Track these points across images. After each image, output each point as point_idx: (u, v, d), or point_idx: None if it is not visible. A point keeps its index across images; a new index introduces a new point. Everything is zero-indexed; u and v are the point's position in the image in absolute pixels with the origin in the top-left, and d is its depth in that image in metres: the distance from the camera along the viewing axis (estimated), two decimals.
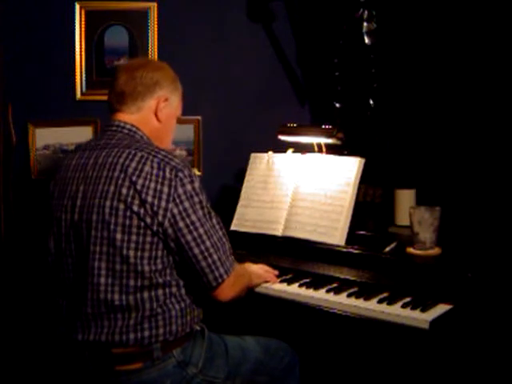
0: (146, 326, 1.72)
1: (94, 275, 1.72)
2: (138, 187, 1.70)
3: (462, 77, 2.45)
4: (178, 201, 1.71)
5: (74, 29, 2.66)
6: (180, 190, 1.72)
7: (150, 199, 1.70)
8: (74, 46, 2.67)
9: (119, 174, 1.73)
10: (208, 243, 1.75)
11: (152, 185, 1.71)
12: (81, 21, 2.66)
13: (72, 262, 1.79)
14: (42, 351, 2.53)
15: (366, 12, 2.61)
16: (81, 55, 2.67)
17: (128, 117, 1.87)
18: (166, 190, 1.71)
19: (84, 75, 2.69)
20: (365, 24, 2.62)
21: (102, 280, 1.71)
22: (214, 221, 1.79)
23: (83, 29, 2.67)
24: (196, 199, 1.74)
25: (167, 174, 1.72)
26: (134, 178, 1.71)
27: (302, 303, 2.09)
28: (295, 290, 2.13)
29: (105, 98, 2.79)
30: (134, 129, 1.85)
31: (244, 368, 1.92)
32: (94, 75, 2.71)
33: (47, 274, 1.89)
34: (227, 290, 1.81)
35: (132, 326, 1.72)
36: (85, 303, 1.74)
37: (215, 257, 1.76)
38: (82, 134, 2.69)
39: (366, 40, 2.63)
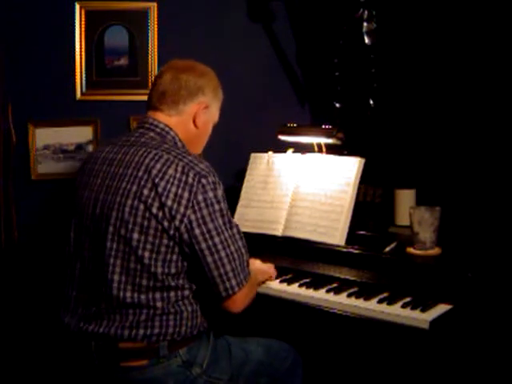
0: (156, 324, 1.72)
1: (109, 272, 1.72)
2: (160, 190, 1.69)
3: (462, 77, 2.45)
4: (196, 208, 1.70)
5: (74, 29, 2.66)
6: (200, 197, 1.70)
7: (169, 203, 1.69)
8: (74, 46, 2.66)
9: (143, 175, 1.72)
10: (223, 253, 1.73)
11: (173, 189, 1.69)
12: (81, 21, 2.66)
13: (88, 256, 1.79)
14: (46, 345, 2.53)
15: (365, 12, 2.61)
16: (81, 55, 2.67)
17: (165, 118, 1.86)
18: (186, 195, 1.69)
19: (84, 75, 2.69)
20: (365, 24, 2.62)
21: (116, 277, 1.71)
22: (235, 230, 1.77)
23: (83, 29, 2.67)
24: (216, 207, 1.73)
25: (189, 180, 1.70)
26: (156, 180, 1.70)
27: (302, 303, 2.09)
28: (295, 290, 2.13)
29: (105, 97, 2.80)
30: (166, 129, 1.84)
31: (246, 369, 1.91)
32: (94, 75, 2.70)
33: (64, 263, 1.88)
34: (239, 302, 1.79)
35: (143, 322, 1.72)
36: (97, 297, 1.75)
37: (228, 268, 1.73)
38: (82, 134, 2.69)
39: (366, 40, 2.63)
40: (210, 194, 1.72)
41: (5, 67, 2.52)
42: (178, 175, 1.71)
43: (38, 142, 2.65)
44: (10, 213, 2.55)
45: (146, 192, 1.71)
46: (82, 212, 1.82)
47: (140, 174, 1.73)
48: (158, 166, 1.72)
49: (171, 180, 1.70)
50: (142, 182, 1.72)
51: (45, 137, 2.65)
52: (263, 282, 2.17)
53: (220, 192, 1.75)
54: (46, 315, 2.51)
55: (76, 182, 1.91)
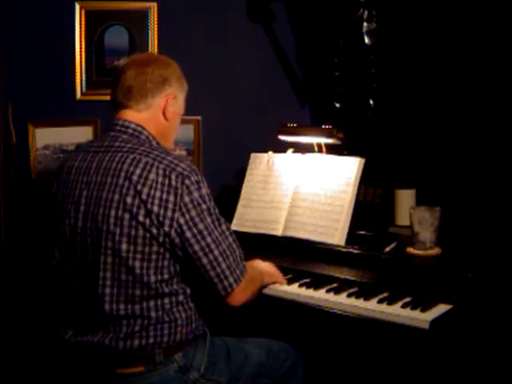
0: (151, 334, 1.70)
1: (99, 286, 1.69)
2: (144, 197, 1.66)
3: (461, 77, 2.45)
4: (184, 210, 1.68)
5: (74, 29, 2.66)
6: (186, 199, 1.68)
7: (155, 209, 1.66)
8: (74, 46, 2.66)
9: (123, 182, 1.68)
10: (216, 252, 1.71)
11: (158, 194, 1.66)
12: (81, 21, 2.66)
13: (77, 270, 1.76)
14: (43, 352, 2.53)
15: (366, 12, 2.61)
16: (81, 55, 2.67)
17: (135, 115, 1.81)
18: (171, 198, 1.67)
19: (84, 75, 2.69)
20: (365, 24, 2.62)
21: (107, 290, 1.69)
22: (224, 227, 1.76)
23: (83, 29, 2.67)
24: (204, 206, 1.71)
25: (173, 182, 1.67)
26: (139, 187, 1.67)
27: (302, 303, 2.09)
28: (295, 290, 2.13)
29: (105, 97, 2.79)
30: (139, 129, 1.80)
31: (246, 371, 1.90)
32: (94, 75, 2.71)
33: (51, 277, 1.86)
34: (238, 296, 1.79)
35: (137, 333, 1.70)
36: (90, 311, 1.73)
37: (224, 266, 1.73)
38: (81, 134, 2.69)
39: (366, 40, 2.63)
40: (196, 195, 1.69)
41: (5, 67, 2.52)
42: (160, 179, 1.67)
43: (38, 142, 2.65)
44: (10, 213, 2.55)
45: (129, 200, 1.67)
46: (64, 225, 1.77)
47: (120, 181, 1.68)
48: (138, 171, 1.68)
49: (154, 185, 1.67)
50: (124, 190, 1.67)
51: (45, 137, 2.65)
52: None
53: (204, 190, 1.72)
54: (46, 315, 2.50)
55: (52, 194, 1.85)
